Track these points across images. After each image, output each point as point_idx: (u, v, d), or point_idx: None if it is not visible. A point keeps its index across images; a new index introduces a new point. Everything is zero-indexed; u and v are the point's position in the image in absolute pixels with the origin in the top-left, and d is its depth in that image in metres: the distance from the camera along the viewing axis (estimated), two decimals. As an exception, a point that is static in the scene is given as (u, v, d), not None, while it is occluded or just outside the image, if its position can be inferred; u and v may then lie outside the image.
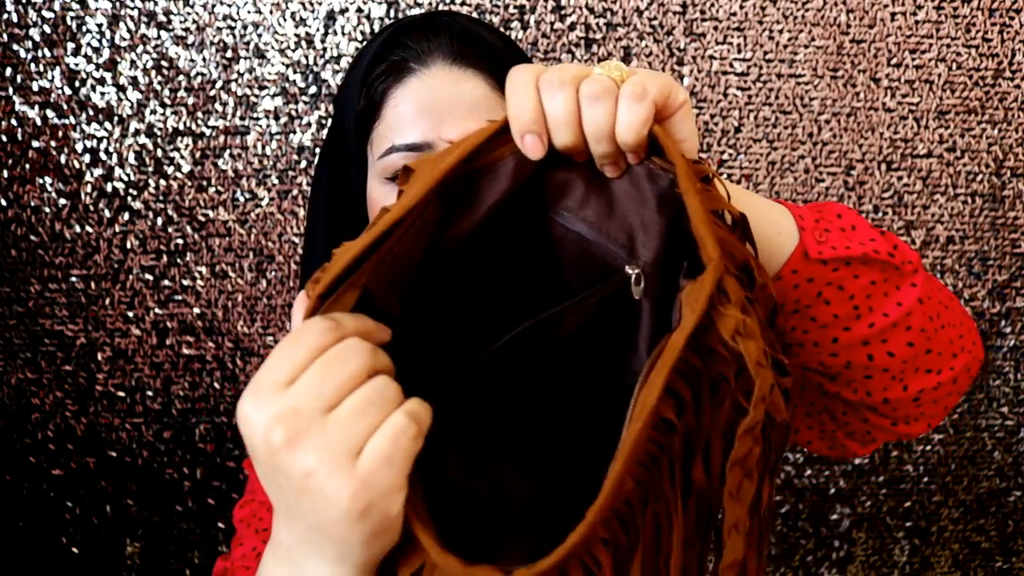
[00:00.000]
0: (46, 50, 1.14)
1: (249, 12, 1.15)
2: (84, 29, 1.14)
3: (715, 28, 1.18)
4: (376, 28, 1.16)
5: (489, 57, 0.65)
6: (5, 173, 1.16)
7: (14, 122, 1.15)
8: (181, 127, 1.16)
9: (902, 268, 0.53)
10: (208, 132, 1.16)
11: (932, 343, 0.54)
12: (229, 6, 1.15)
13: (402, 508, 0.36)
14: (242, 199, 1.18)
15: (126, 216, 1.17)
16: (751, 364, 0.37)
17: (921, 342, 0.53)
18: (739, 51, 1.19)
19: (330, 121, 0.79)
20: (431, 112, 0.62)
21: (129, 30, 1.14)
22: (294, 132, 1.17)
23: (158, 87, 1.15)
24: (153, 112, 1.16)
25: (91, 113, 1.15)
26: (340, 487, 0.34)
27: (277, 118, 1.17)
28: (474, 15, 1.16)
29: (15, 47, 1.14)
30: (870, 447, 0.62)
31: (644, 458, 0.37)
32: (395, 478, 0.35)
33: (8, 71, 1.14)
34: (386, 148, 0.63)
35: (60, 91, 1.15)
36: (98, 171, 1.16)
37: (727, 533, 0.37)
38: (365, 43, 0.72)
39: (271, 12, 1.15)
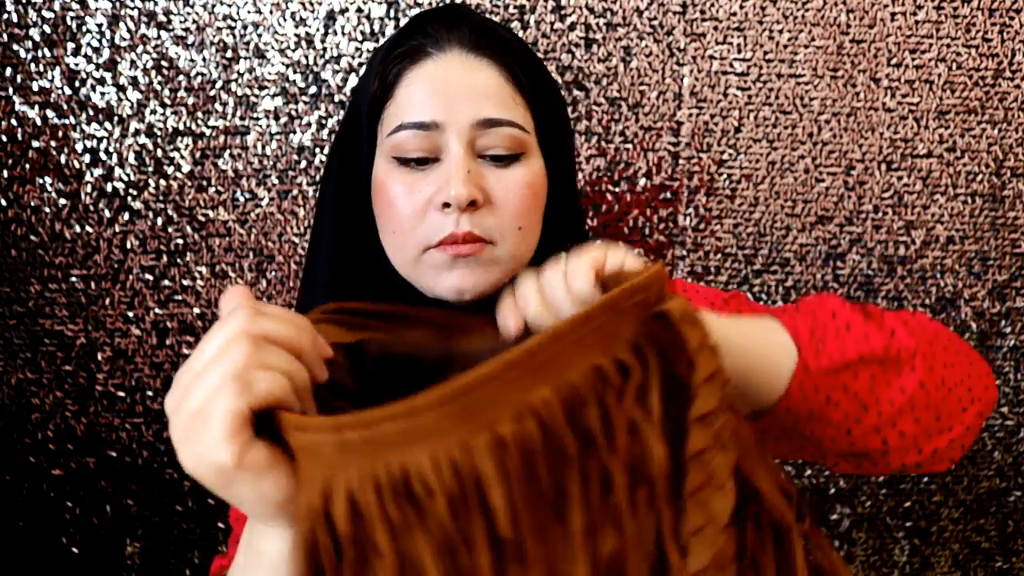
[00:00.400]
0: (46, 50, 1.14)
1: (249, 12, 1.15)
2: (84, 29, 1.14)
3: (715, 28, 1.18)
4: (376, 28, 1.16)
5: (504, 51, 0.67)
6: (5, 173, 1.16)
7: (14, 122, 1.15)
8: (181, 127, 1.16)
9: (899, 358, 0.57)
10: (208, 132, 1.16)
11: (940, 410, 0.58)
12: (229, 6, 1.15)
13: (235, 456, 0.38)
14: (242, 199, 1.18)
15: (126, 216, 1.17)
16: (692, 346, 0.39)
17: (929, 416, 0.58)
18: (739, 51, 1.19)
19: (344, 111, 0.80)
20: (443, 94, 0.63)
21: (129, 30, 1.14)
22: (294, 132, 1.17)
23: (158, 87, 1.15)
24: (153, 112, 1.16)
25: (91, 113, 1.15)
26: (178, 447, 0.39)
27: (277, 118, 1.17)
28: (474, 15, 1.16)
29: (15, 47, 1.14)
30: (892, 471, 0.67)
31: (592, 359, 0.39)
32: (212, 431, 0.38)
33: (8, 71, 1.14)
34: (396, 125, 0.64)
35: (60, 91, 1.15)
36: (98, 171, 1.16)
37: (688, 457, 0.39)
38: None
39: (271, 12, 1.15)
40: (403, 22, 1.15)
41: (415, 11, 1.15)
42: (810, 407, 0.56)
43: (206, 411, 0.38)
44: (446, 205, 0.63)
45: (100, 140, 1.16)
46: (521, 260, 0.68)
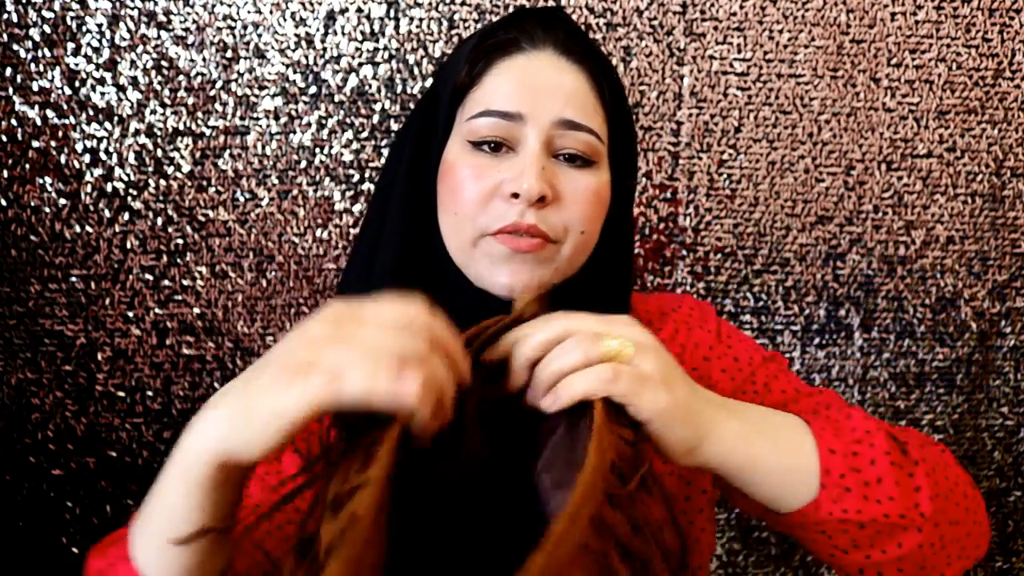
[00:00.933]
0: (46, 50, 1.14)
1: (249, 12, 1.15)
2: (84, 29, 1.14)
3: (715, 28, 1.18)
4: (376, 28, 1.16)
5: (594, 60, 0.68)
6: (5, 173, 1.16)
7: (14, 122, 1.15)
8: (181, 127, 1.16)
9: (911, 524, 0.56)
10: (208, 132, 1.16)
11: (927, 563, 0.58)
12: (229, 6, 1.15)
13: (300, 407, 0.41)
14: (242, 199, 1.18)
15: (126, 216, 1.17)
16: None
17: (914, 569, 0.57)
18: (739, 51, 1.19)
19: (423, 94, 0.81)
20: (531, 89, 0.64)
21: (129, 30, 1.14)
22: (294, 132, 1.17)
23: (158, 87, 1.15)
24: (153, 112, 1.16)
25: (91, 113, 1.15)
26: (294, 342, 0.45)
27: (277, 118, 1.17)
28: (474, 15, 1.16)
29: (15, 47, 1.14)
30: None
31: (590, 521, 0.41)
32: (321, 379, 0.42)
33: (8, 71, 1.14)
34: (479, 111, 0.65)
35: (60, 91, 1.15)
36: (98, 171, 1.16)
37: None
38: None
39: (271, 12, 1.15)
40: (403, 22, 1.16)
41: (415, 11, 1.15)
42: (806, 532, 0.57)
43: (360, 357, 0.41)
44: (515, 196, 0.63)
45: (100, 140, 1.16)
46: (575, 265, 0.68)
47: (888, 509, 0.55)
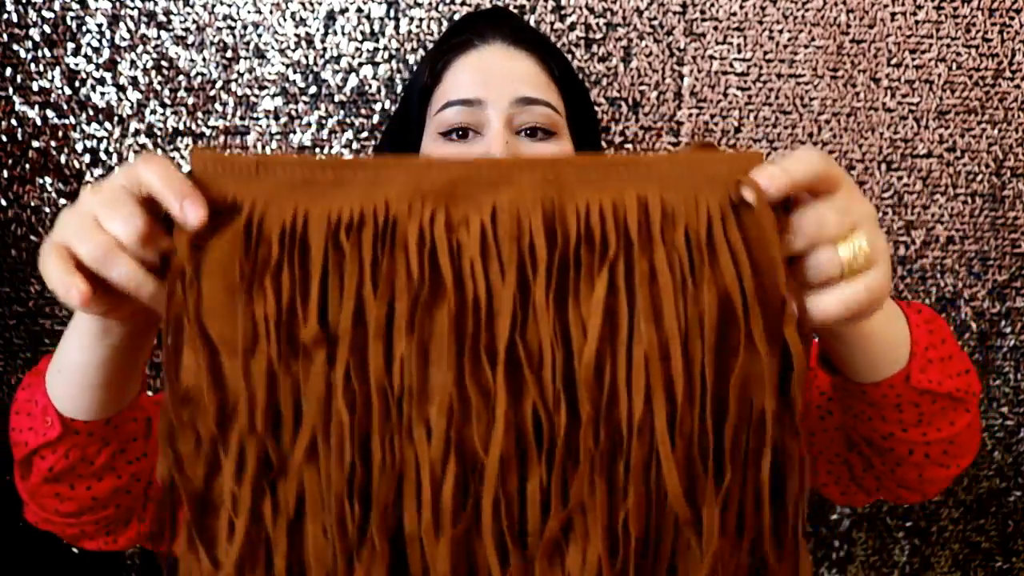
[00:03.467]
0: (46, 50, 1.14)
1: (249, 12, 1.15)
2: (84, 29, 1.14)
3: (715, 28, 1.18)
4: (376, 28, 1.16)
5: (541, 46, 0.76)
6: (5, 173, 1.16)
7: (14, 122, 1.15)
8: (181, 127, 1.16)
9: (967, 400, 0.59)
10: (208, 132, 1.16)
11: (965, 445, 0.62)
12: (229, 6, 1.15)
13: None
14: (242, 199, 1.18)
15: (126, 216, 1.17)
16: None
17: (954, 450, 0.61)
18: (739, 51, 1.19)
19: (396, 106, 0.88)
20: (486, 76, 0.72)
21: (129, 30, 1.14)
22: (294, 132, 1.17)
23: (158, 87, 1.15)
24: (153, 112, 1.16)
25: (91, 113, 1.15)
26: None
27: (277, 118, 1.17)
28: (474, 15, 1.16)
29: (15, 47, 1.14)
30: (872, 499, 0.70)
31: None
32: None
33: (8, 71, 1.14)
34: (443, 103, 0.72)
35: (60, 91, 1.15)
36: (98, 171, 1.16)
37: None
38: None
39: (271, 12, 1.15)
40: (403, 22, 1.16)
41: (415, 11, 1.15)
42: (881, 402, 0.58)
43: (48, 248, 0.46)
44: None
45: (100, 140, 1.16)
46: None
47: (959, 384, 0.58)
